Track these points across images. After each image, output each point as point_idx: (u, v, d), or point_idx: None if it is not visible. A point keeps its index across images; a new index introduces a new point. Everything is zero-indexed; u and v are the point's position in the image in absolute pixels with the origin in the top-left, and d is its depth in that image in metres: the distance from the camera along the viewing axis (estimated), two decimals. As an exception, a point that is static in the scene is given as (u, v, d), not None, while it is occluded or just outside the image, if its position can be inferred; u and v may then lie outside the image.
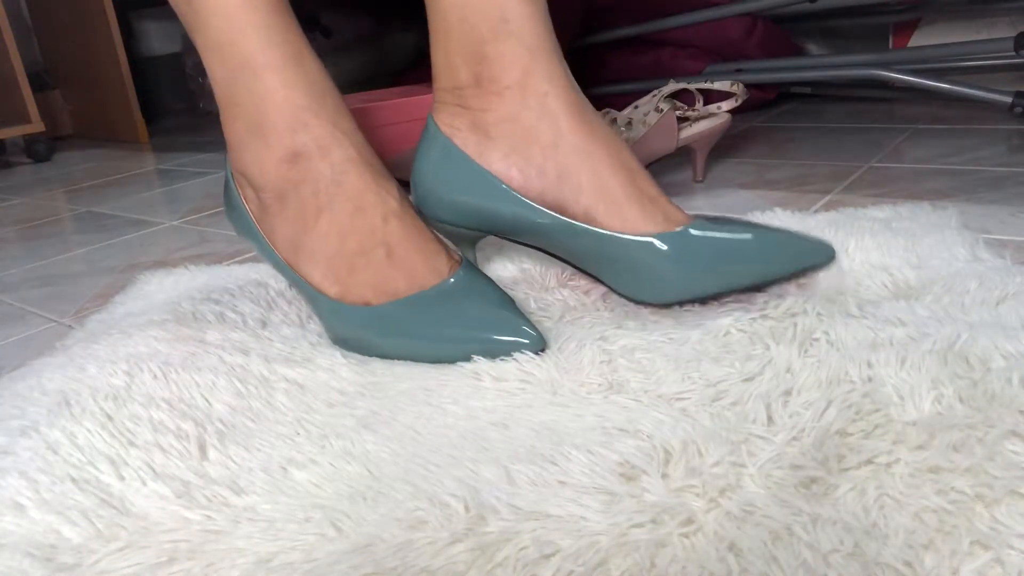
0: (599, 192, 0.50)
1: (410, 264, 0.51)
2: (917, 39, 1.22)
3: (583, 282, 0.59)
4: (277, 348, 0.52)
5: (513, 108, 0.51)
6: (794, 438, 0.37)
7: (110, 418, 0.44)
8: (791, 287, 0.54)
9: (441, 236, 0.55)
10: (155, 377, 0.48)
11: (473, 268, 0.53)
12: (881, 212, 0.65)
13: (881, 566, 0.29)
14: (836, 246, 0.57)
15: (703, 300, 0.52)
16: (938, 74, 1.06)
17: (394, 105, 1.00)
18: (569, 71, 0.53)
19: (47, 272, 0.82)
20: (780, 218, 0.65)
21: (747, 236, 0.51)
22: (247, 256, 0.78)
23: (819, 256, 0.53)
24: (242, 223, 0.56)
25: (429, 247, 0.52)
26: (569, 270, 0.60)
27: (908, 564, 0.29)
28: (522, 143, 0.51)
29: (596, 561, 0.31)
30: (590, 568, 0.31)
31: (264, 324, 0.57)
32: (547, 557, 0.32)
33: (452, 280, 0.51)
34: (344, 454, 0.40)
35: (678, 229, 0.50)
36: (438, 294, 0.50)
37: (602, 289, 0.57)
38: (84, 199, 1.19)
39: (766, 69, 1.16)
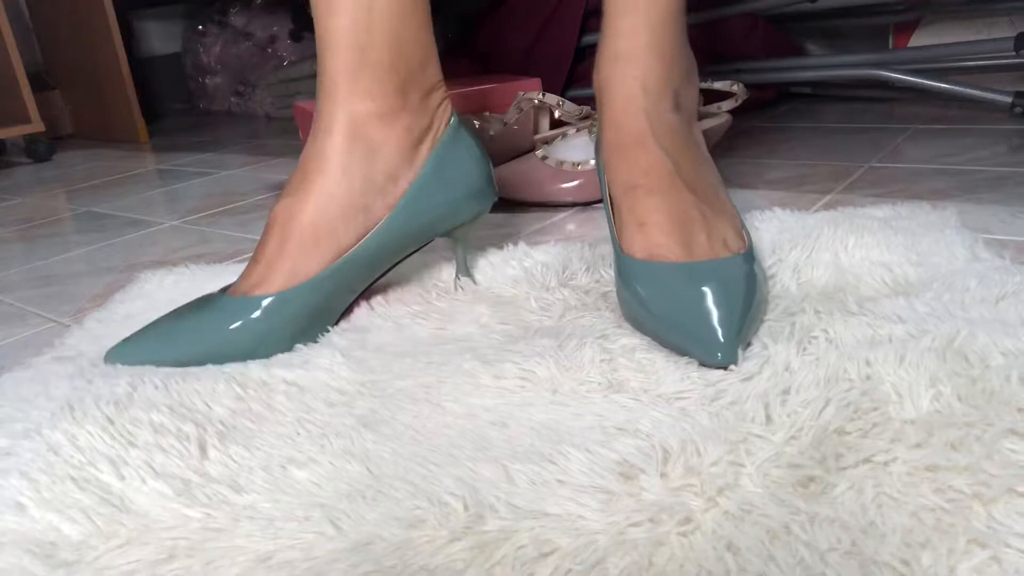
0: None
1: None
2: (917, 39, 1.22)
3: (584, 281, 0.59)
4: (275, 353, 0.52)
5: None
6: (792, 437, 0.37)
7: (111, 421, 0.44)
8: (792, 284, 0.54)
9: None
10: (156, 387, 0.47)
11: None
12: (881, 211, 0.65)
13: (878, 564, 0.29)
14: (836, 243, 0.57)
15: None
16: (938, 74, 1.06)
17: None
18: None
19: (47, 272, 0.82)
20: (780, 218, 0.65)
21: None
22: (247, 256, 0.79)
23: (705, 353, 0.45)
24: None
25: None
26: (570, 269, 0.60)
27: (905, 562, 0.29)
28: None
29: (594, 560, 0.31)
30: (588, 567, 0.31)
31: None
32: (545, 556, 0.32)
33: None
34: (344, 453, 0.40)
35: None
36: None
37: (603, 289, 0.57)
38: (84, 199, 1.19)
39: (766, 69, 1.16)
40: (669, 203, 0.51)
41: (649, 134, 0.53)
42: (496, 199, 0.60)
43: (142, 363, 0.52)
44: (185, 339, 0.52)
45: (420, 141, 0.55)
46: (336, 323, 0.56)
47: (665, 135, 0.54)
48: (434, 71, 0.56)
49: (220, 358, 0.52)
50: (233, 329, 0.52)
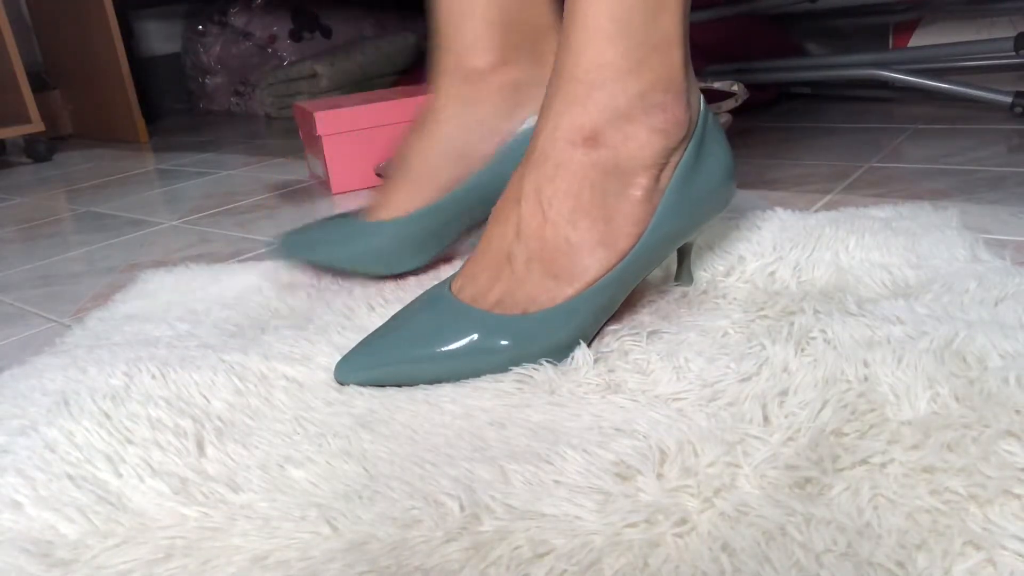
0: None
1: None
2: (917, 39, 1.22)
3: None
4: (276, 347, 0.52)
5: None
6: (789, 438, 0.37)
7: (108, 417, 0.44)
8: (792, 283, 0.54)
9: None
10: (154, 377, 0.48)
11: None
12: (881, 212, 0.65)
13: (874, 566, 0.29)
14: (837, 243, 0.57)
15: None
16: (938, 74, 1.06)
17: (394, 105, 1.00)
18: None
19: (47, 272, 0.82)
20: (780, 217, 0.65)
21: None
22: (247, 256, 0.79)
23: None
24: None
25: None
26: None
27: (900, 564, 0.29)
28: None
29: (589, 560, 0.31)
30: (583, 567, 0.31)
31: (263, 324, 0.57)
32: (541, 556, 0.32)
33: None
34: (341, 452, 0.40)
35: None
36: None
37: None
38: (84, 199, 1.20)
39: (766, 69, 1.16)
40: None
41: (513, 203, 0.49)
42: None
43: (308, 260, 0.63)
44: (326, 248, 0.62)
45: (523, 100, 0.58)
46: (455, 242, 0.64)
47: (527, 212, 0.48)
48: (547, 24, 0.58)
49: (354, 263, 0.62)
50: (356, 244, 0.62)
